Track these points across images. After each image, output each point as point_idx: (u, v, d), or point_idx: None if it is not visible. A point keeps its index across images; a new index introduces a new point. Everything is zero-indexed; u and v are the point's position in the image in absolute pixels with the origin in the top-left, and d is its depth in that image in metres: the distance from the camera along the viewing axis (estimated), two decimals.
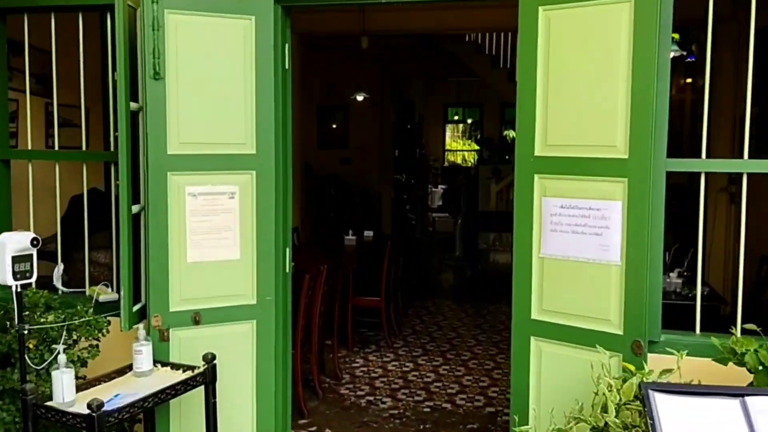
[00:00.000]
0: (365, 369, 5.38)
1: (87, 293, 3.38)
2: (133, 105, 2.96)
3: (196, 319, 3.08)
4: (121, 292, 2.89)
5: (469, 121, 16.16)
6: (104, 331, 3.00)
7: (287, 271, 3.35)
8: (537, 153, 2.81)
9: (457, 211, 13.68)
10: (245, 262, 3.16)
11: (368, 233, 7.09)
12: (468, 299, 7.65)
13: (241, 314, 3.17)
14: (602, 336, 2.66)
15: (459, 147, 16.73)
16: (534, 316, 2.85)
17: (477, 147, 16.17)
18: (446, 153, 16.46)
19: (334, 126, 11.99)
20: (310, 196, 9.05)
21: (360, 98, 8.33)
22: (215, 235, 3.11)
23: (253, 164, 3.13)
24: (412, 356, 5.72)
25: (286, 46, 3.27)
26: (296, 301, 3.76)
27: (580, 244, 2.72)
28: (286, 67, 3.27)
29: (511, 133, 15.24)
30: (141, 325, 2.93)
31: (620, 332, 2.65)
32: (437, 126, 16.20)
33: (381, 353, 5.77)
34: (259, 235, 3.16)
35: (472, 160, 16.10)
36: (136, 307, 3.05)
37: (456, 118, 16.23)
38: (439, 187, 14.42)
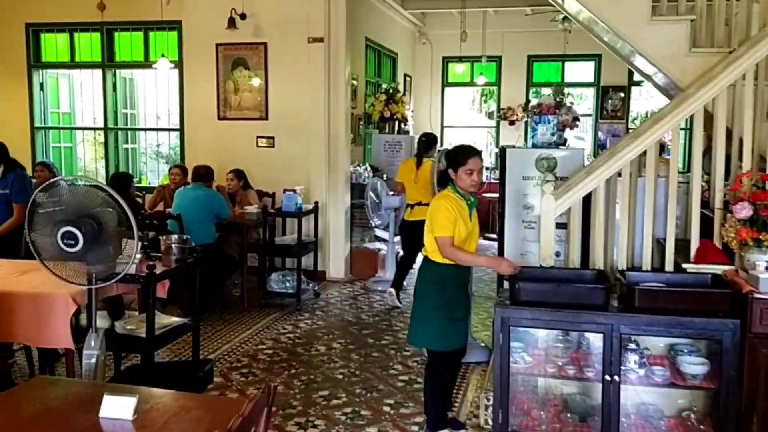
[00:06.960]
0: None
1: None
2: None
3: None
4: None
5: (481, 80, 10.69)
6: None
7: None
8: None
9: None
10: None
11: None
12: None
13: None
14: None
15: (469, 122, 11.25)
16: None
17: (493, 122, 10.85)
18: (444, 130, 11.05)
19: (251, 83, 6.82)
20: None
21: None
22: None
23: None
24: None
25: None
26: None
27: None
28: None
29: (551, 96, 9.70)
30: None
31: None
32: (433, 91, 10.90)
33: None
34: None
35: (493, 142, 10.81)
36: None
37: (463, 75, 10.66)
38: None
